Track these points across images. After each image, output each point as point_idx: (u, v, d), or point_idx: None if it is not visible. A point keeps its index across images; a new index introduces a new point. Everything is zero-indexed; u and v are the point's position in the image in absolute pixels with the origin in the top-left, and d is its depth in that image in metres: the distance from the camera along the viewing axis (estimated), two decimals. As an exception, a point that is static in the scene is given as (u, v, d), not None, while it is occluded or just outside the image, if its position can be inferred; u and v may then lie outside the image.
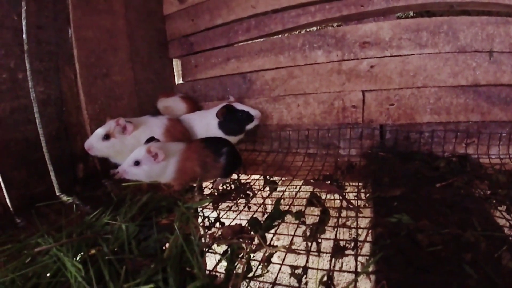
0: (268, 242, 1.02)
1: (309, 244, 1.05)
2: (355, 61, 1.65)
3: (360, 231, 1.08)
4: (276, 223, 1.15)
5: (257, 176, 1.61)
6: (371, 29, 1.61)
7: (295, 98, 1.79)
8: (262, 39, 1.85)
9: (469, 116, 1.57)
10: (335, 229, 1.09)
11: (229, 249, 1.01)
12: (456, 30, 1.52)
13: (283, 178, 1.55)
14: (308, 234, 1.12)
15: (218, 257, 0.98)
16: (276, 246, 1.00)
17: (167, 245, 1.02)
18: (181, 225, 1.11)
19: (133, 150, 1.50)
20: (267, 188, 1.51)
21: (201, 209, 1.29)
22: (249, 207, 1.38)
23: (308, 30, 1.92)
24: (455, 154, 1.53)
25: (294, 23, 1.73)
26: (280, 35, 1.83)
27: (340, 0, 1.62)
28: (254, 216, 1.20)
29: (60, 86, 1.56)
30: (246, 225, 1.14)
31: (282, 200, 1.29)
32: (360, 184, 1.47)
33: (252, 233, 1.11)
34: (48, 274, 0.92)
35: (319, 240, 1.06)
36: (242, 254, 0.98)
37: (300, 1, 1.67)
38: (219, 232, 1.12)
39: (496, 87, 1.54)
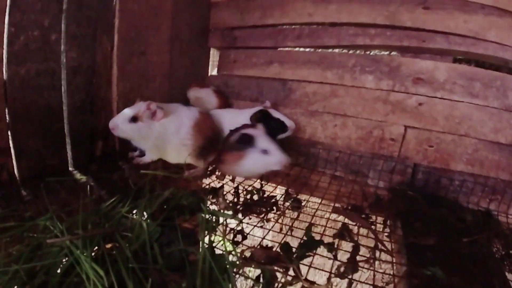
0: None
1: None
2: (404, 94, 1.60)
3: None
4: (310, 254, 1.09)
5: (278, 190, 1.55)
6: (427, 66, 1.56)
7: (333, 117, 1.72)
8: (311, 50, 1.77)
9: (499, 173, 1.56)
10: (368, 271, 1.05)
11: (262, 276, 0.95)
12: (506, 88, 1.50)
13: (310, 199, 1.50)
14: (341, 271, 1.07)
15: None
16: (315, 282, 0.95)
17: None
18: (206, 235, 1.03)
19: (159, 137, 1.41)
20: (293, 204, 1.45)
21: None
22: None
23: (362, 52, 1.85)
24: (479, 209, 1.52)
25: (350, 42, 1.66)
26: (331, 50, 1.76)
27: (403, 30, 1.56)
28: (284, 239, 1.14)
29: (94, 56, 1.43)
30: (278, 250, 1.07)
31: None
32: (388, 221, 1.44)
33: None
34: (58, 271, 0.83)
35: (352, 282, 1.02)
36: (276, 285, 0.92)
37: (361, 21, 1.60)
38: (248, 251, 1.05)
39: None
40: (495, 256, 1.22)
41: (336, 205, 1.53)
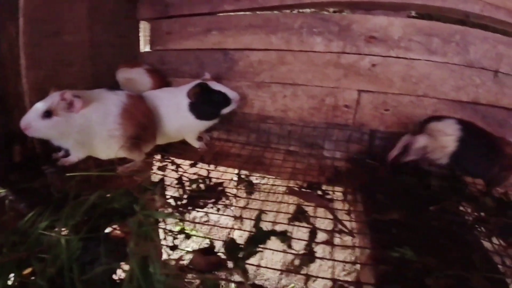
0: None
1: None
2: (357, 56, 1.45)
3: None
4: (260, 249, 0.98)
5: (229, 175, 1.43)
6: (381, 23, 1.41)
7: (283, 87, 1.57)
8: (253, 13, 1.56)
9: None
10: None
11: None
12: (467, 42, 1.40)
13: (263, 182, 1.40)
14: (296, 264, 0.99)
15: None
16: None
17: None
18: (137, 246, 0.91)
19: (82, 132, 1.22)
20: (243, 192, 1.34)
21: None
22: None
23: (309, 11, 1.65)
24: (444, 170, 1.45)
25: (295, 0, 1.46)
26: (275, 11, 1.56)
27: (353, -17, 1.38)
28: (230, 234, 1.04)
29: (-2, 46, 1.20)
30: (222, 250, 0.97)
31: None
32: (347, 195, 1.36)
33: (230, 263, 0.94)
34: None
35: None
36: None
37: (305, -25, 1.40)
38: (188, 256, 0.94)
39: (493, 108, 1.47)
40: (468, 224, 1.13)
41: (292, 184, 1.44)
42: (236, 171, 1.45)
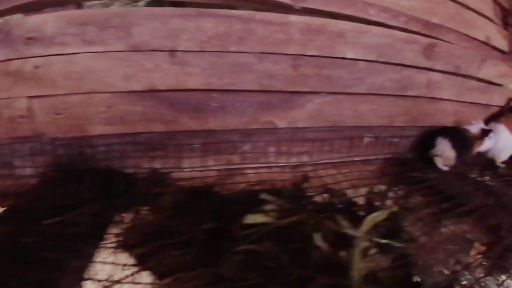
0: None
1: None
2: (21, 60, 1.33)
3: None
4: None
5: None
6: (36, 22, 1.31)
7: (-36, 105, 1.44)
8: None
9: (150, 126, 1.30)
10: None
11: None
12: (129, 24, 1.26)
13: None
14: None
15: None
16: None
17: None
18: None
19: None
20: None
21: None
22: None
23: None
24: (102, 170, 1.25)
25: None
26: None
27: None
28: None
29: None
30: None
31: None
32: None
33: None
34: None
35: None
36: None
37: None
38: None
39: (182, 93, 1.29)
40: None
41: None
42: None
